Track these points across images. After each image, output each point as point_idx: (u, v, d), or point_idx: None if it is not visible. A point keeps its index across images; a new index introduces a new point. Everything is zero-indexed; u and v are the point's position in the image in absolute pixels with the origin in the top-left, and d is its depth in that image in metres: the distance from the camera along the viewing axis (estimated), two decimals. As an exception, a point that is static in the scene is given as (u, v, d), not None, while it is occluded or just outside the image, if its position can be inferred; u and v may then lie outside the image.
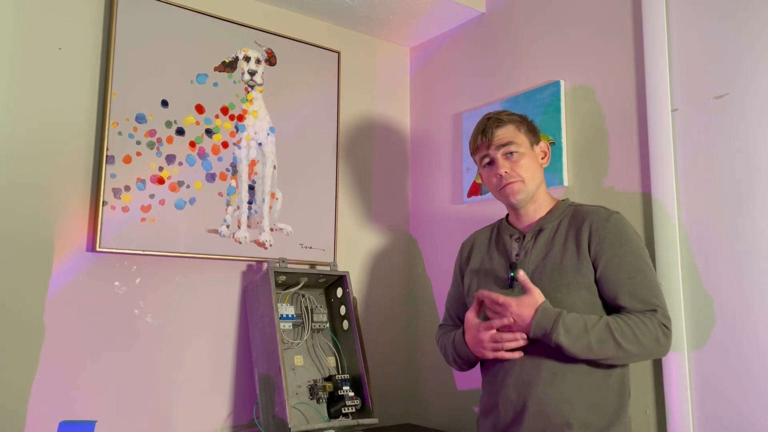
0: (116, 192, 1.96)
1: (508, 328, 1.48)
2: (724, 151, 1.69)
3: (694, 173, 1.74)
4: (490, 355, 1.52)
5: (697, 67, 1.76)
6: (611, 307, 1.51)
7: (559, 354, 1.46)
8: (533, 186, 1.60)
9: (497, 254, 1.66)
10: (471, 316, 1.56)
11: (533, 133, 1.66)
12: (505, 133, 1.61)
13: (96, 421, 1.57)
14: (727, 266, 1.65)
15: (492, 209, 2.20)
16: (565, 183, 2.05)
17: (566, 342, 1.41)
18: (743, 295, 1.62)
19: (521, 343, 1.47)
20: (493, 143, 1.60)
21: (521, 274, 1.49)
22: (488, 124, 1.62)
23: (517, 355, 1.49)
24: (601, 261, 1.50)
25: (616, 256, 1.49)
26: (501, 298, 1.47)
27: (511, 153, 1.60)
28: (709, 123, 1.72)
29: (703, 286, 1.69)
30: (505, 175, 1.59)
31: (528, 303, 1.45)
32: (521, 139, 1.62)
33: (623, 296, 1.48)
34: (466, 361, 1.64)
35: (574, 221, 1.57)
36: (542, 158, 1.66)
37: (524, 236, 1.61)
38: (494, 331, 1.50)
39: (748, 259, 1.62)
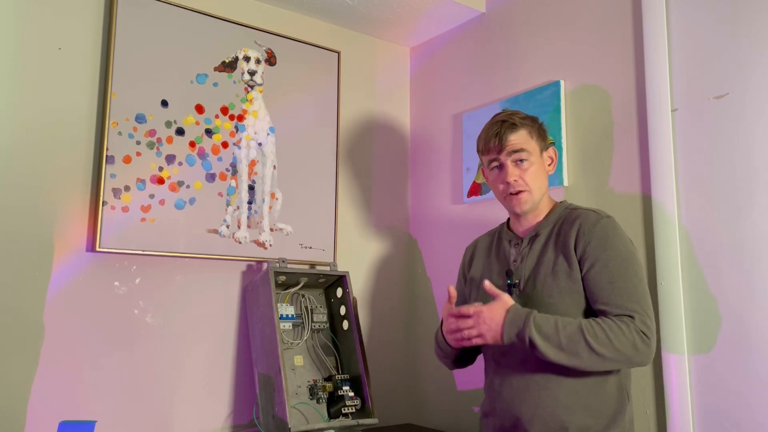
0: (116, 192, 1.95)
1: (482, 339, 1.46)
2: (724, 151, 1.69)
3: (694, 173, 1.74)
4: (453, 341, 1.52)
5: (697, 67, 1.76)
6: (594, 312, 1.49)
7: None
8: (539, 195, 1.59)
9: (496, 262, 1.66)
10: (446, 306, 1.57)
11: (543, 139, 1.63)
12: (518, 138, 1.57)
13: (96, 421, 1.57)
14: (728, 267, 1.65)
15: (492, 209, 2.20)
16: (565, 183, 2.05)
17: (538, 339, 1.40)
18: (743, 296, 1.62)
19: (474, 333, 1.46)
20: (505, 149, 1.57)
21: (486, 284, 1.50)
22: (502, 128, 1.58)
23: (478, 341, 1.47)
24: (585, 265, 1.48)
25: (600, 260, 1.47)
26: (471, 309, 1.46)
27: (522, 160, 1.57)
28: (709, 123, 1.72)
29: (709, 287, 1.69)
30: (514, 183, 1.57)
31: (498, 306, 1.45)
32: (532, 146, 1.58)
33: (602, 301, 1.45)
34: (447, 353, 1.65)
35: (566, 225, 1.55)
36: (549, 164, 1.64)
37: (522, 241, 1.61)
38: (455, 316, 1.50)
39: (749, 259, 1.61)
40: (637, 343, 1.40)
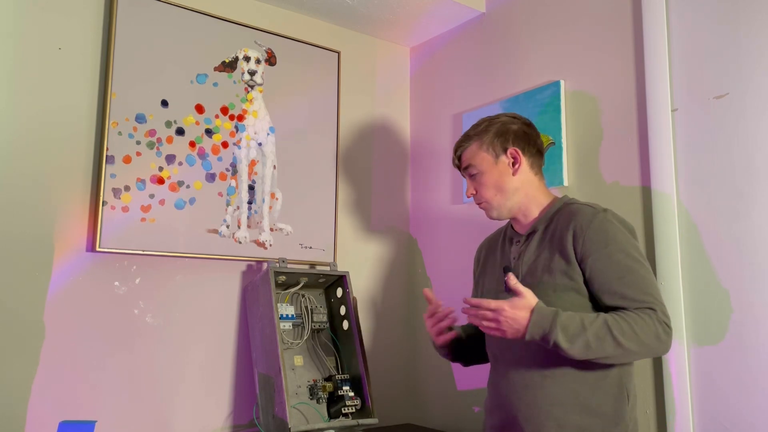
0: (116, 192, 1.95)
1: (501, 333, 1.43)
2: (724, 151, 1.69)
3: (694, 173, 1.74)
4: (436, 335, 1.64)
5: (697, 67, 1.76)
6: (604, 309, 1.46)
7: (550, 356, 1.43)
8: (502, 199, 1.59)
9: (500, 259, 1.66)
10: (429, 309, 1.65)
11: (501, 141, 1.59)
12: (467, 155, 1.63)
13: (96, 421, 1.57)
14: (728, 266, 1.65)
15: (492, 209, 2.20)
16: (565, 183, 2.05)
17: (564, 342, 1.37)
18: (742, 296, 1.62)
19: (494, 326, 1.45)
20: (460, 167, 1.66)
21: (511, 280, 1.45)
22: (456, 146, 1.66)
23: (495, 334, 1.45)
24: (587, 263, 1.45)
25: (603, 256, 1.44)
26: (493, 303, 1.43)
27: (474, 175, 1.62)
28: (709, 123, 1.72)
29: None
30: (472, 197, 1.64)
31: (522, 305, 1.41)
32: (480, 158, 1.60)
33: (614, 297, 1.43)
34: (441, 353, 1.73)
35: (562, 221, 1.53)
36: (514, 165, 1.58)
37: (522, 238, 1.61)
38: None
39: (748, 259, 1.62)
40: (660, 333, 1.40)
